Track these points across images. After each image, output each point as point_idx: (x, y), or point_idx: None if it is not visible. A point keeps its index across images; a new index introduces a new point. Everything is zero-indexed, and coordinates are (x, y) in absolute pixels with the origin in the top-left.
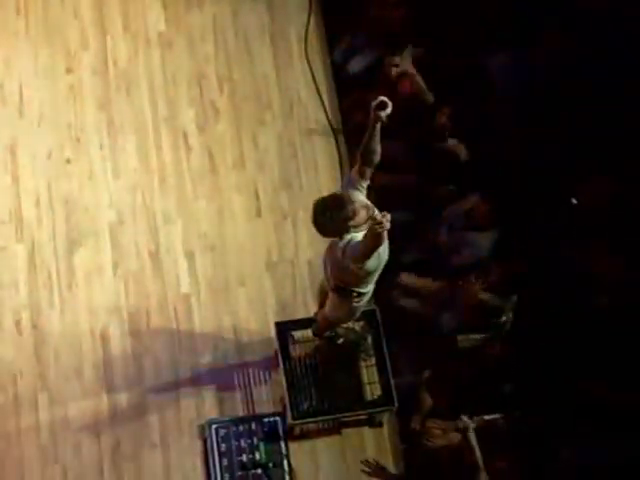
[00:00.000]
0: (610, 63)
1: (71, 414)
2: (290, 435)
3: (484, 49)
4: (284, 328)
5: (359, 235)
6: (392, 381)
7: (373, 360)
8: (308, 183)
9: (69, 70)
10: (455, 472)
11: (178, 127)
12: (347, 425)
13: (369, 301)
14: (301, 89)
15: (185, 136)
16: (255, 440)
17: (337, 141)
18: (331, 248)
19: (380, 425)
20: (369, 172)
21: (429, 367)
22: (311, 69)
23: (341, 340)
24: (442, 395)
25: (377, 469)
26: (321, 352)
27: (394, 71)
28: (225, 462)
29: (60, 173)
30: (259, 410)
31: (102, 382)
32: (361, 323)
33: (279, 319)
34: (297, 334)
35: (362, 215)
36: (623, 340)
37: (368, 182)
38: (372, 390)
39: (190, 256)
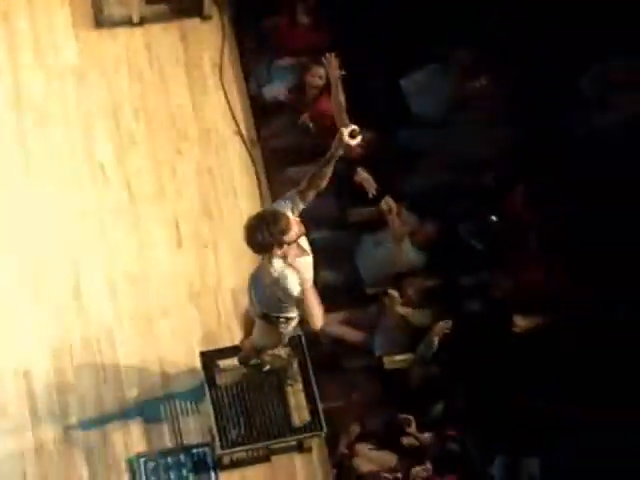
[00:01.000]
0: None
1: None
2: (220, 465)
3: (400, 70)
4: (209, 357)
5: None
6: (320, 406)
7: (300, 386)
8: (228, 211)
9: None
10: None
11: (95, 159)
12: (277, 452)
13: (295, 328)
14: (217, 117)
15: (102, 168)
16: (184, 472)
17: (256, 168)
18: (257, 275)
19: (309, 450)
20: (312, 196)
21: (357, 390)
22: (226, 97)
23: (267, 367)
24: (371, 417)
25: None
26: (248, 380)
27: (317, 83)
28: None
29: None
30: (187, 441)
31: (27, 420)
32: (287, 349)
33: (204, 348)
34: (223, 363)
35: (295, 230)
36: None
37: (305, 206)
38: (300, 416)
39: (112, 289)
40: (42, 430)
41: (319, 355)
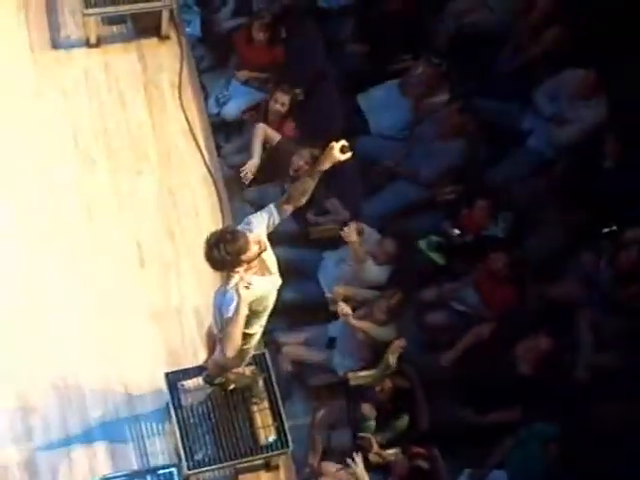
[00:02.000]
0: None
1: None
2: None
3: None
4: (174, 378)
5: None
6: (286, 423)
7: (265, 404)
8: (190, 230)
9: None
10: None
11: (54, 181)
12: (244, 471)
13: (258, 344)
14: (177, 136)
15: (62, 189)
16: None
17: (217, 187)
18: (218, 292)
19: (277, 468)
20: (290, 211)
21: (323, 406)
22: (186, 116)
23: (232, 386)
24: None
25: None
26: (213, 399)
27: (279, 109)
28: None
29: None
30: (154, 462)
31: None
32: (251, 367)
33: (168, 369)
34: (188, 383)
35: (254, 250)
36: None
37: (280, 221)
38: (266, 434)
39: (74, 310)
40: (6, 453)
41: (283, 373)
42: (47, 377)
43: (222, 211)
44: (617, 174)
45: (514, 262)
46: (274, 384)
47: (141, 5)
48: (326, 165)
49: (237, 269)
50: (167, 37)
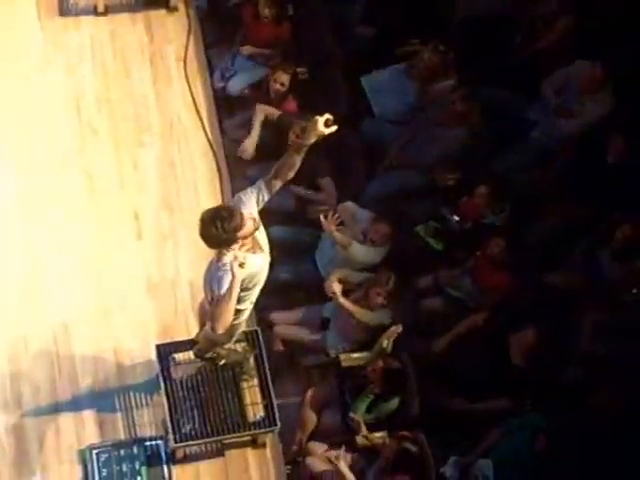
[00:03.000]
0: None
1: None
2: (173, 458)
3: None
4: (165, 350)
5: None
6: (275, 402)
7: (255, 381)
8: (188, 203)
9: None
10: None
11: (55, 149)
12: (230, 447)
13: (250, 321)
14: (181, 110)
15: (63, 158)
16: (137, 464)
17: (217, 162)
18: (210, 267)
19: (263, 446)
20: (278, 186)
21: (313, 386)
22: (190, 90)
23: (223, 361)
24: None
25: None
26: (203, 374)
27: (279, 89)
28: None
29: None
30: (141, 434)
31: None
32: (243, 344)
33: (161, 341)
34: (178, 356)
35: (249, 226)
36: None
37: (270, 197)
38: (255, 411)
39: (69, 278)
40: None
41: (274, 352)
42: (39, 343)
43: (222, 186)
44: (619, 170)
45: (511, 248)
46: (265, 362)
47: None
48: (311, 139)
49: (232, 247)
50: (175, 9)
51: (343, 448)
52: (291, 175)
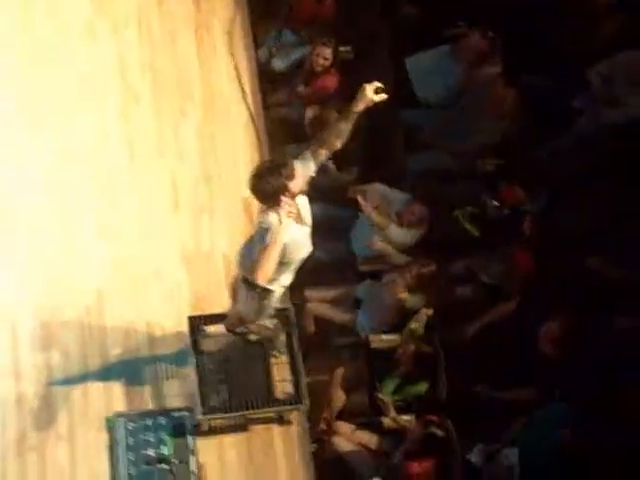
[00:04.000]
0: None
1: None
2: (198, 430)
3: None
4: (197, 322)
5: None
6: (304, 380)
7: (285, 358)
8: (227, 176)
9: None
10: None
11: (98, 114)
12: (256, 422)
13: (283, 299)
14: (224, 82)
15: (104, 123)
16: (163, 434)
17: (259, 136)
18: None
19: (289, 423)
20: (324, 156)
21: (342, 366)
22: (235, 63)
23: (254, 337)
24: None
25: None
26: (233, 348)
27: (322, 63)
28: (131, 456)
29: None
30: (169, 404)
31: (9, 372)
32: (274, 320)
33: (193, 313)
34: (210, 329)
35: (299, 182)
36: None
37: (316, 167)
38: (282, 388)
39: (105, 246)
40: (24, 382)
41: (305, 330)
42: (71, 310)
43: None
44: None
45: (547, 234)
46: (296, 339)
47: None
48: (360, 106)
49: (279, 203)
50: None
51: None
52: (338, 145)
